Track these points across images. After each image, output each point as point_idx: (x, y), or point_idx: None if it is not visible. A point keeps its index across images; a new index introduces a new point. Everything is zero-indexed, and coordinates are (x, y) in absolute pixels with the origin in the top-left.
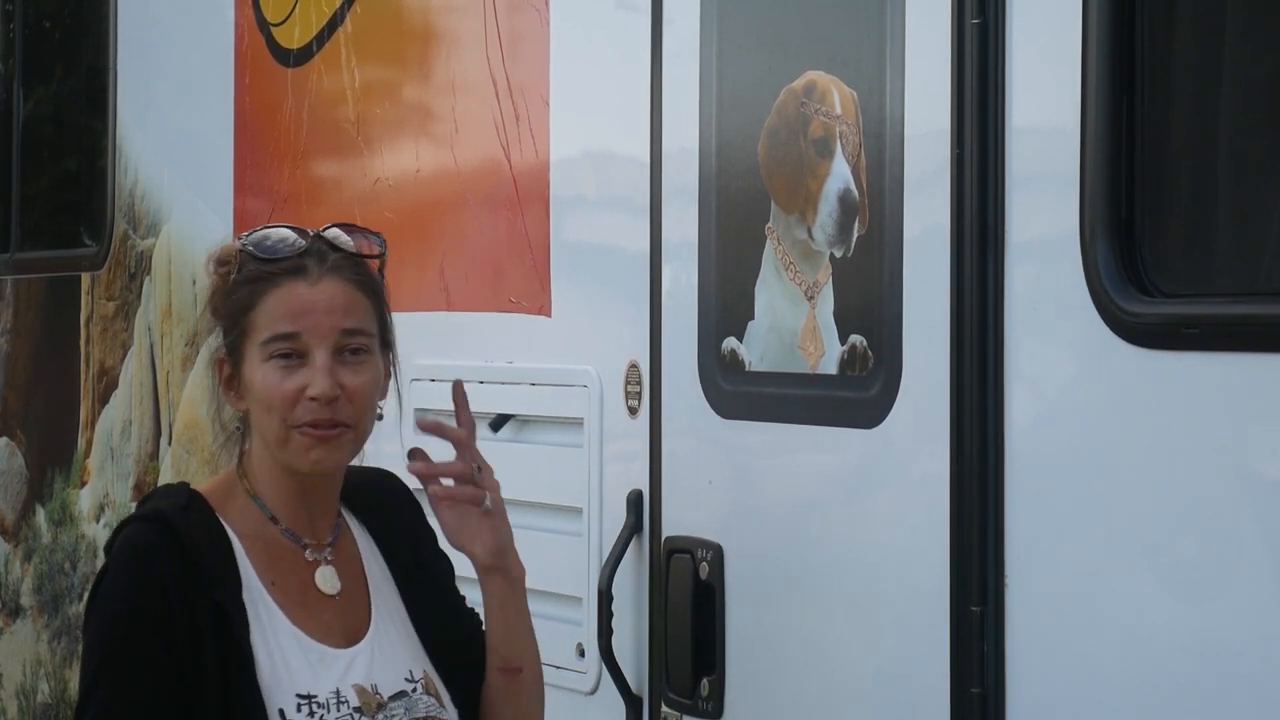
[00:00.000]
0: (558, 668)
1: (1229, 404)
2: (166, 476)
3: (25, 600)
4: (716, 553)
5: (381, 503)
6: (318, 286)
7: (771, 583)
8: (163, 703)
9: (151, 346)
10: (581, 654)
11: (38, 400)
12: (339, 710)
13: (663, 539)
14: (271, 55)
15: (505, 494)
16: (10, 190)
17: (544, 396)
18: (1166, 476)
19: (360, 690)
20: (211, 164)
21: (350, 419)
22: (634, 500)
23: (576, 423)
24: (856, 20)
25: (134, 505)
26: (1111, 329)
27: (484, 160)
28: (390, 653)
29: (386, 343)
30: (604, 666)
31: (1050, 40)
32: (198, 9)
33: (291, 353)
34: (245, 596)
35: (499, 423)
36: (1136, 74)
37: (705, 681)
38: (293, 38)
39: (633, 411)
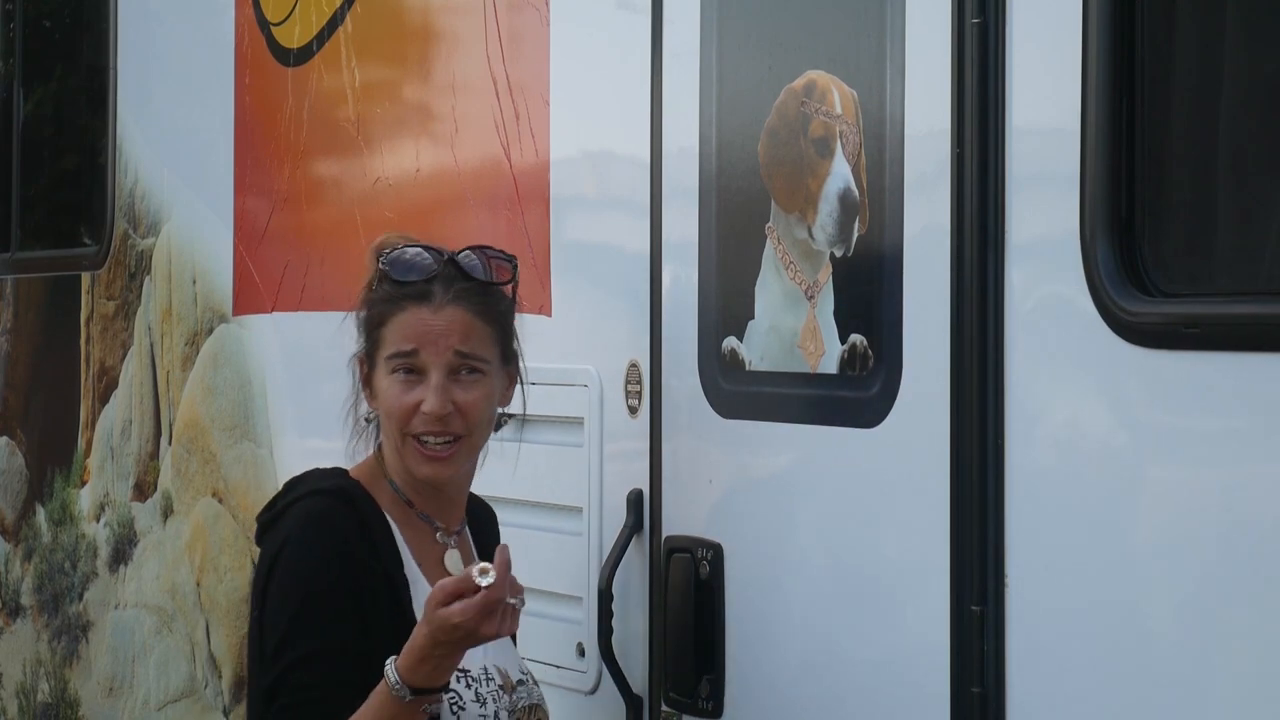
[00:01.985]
0: (558, 667)
1: (1229, 404)
2: (166, 476)
3: (25, 600)
4: (716, 552)
5: (485, 527)
6: (440, 313)
7: (771, 582)
8: (350, 657)
9: (151, 346)
10: (581, 653)
11: (38, 400)
12: (488, 685)
13: (663, 538)
14: (272, 55)
15: (506, 493)
16: (10, 190)
17: (544, 396)
18: (1166, 476)
19: (499, 670)
20: (211, 164)
21: (462, 430)
22: (634, 500)
23: (576, 422)
24: (856, 20)
25: (133, 505)
26: (1111, 329)
27: (484, 160)
28: (504, 645)
29: (508, 358)
30: (604, 666)
31: (1050, 40)
32: (198, 8)
33: (411, 368)
34: (405, 571)
35: (499, 422)
36: (1136, 74)
37: (705, 681)
38: (293, 37)
39: (633, 411)
